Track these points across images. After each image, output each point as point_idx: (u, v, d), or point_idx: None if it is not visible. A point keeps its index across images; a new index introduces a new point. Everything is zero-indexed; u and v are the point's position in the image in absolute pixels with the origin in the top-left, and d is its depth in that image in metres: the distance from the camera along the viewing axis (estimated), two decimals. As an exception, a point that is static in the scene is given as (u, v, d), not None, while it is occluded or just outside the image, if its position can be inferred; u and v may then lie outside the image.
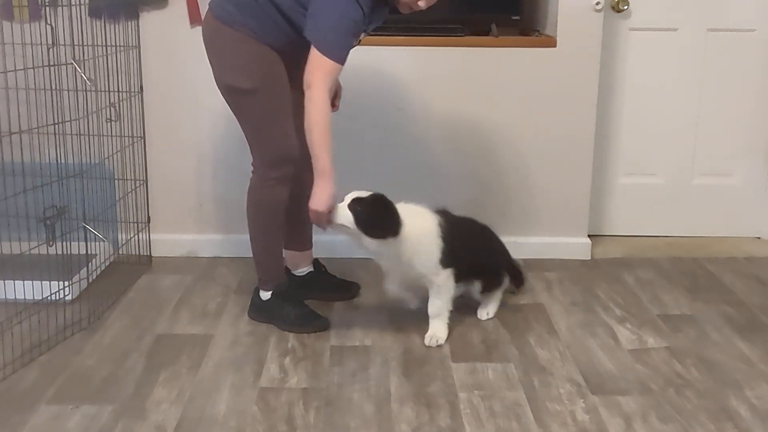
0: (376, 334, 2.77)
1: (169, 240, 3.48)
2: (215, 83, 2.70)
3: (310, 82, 2.49)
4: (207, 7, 2.69)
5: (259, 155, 2.72)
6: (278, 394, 2.38)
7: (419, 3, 2.53)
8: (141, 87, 3.32)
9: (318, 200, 2.51)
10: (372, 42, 3.05)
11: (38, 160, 2.81)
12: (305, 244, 3.03)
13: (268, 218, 2.76)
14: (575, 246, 3.51)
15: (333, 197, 2.52)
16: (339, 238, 3.22)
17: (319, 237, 3.17)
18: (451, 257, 2.66)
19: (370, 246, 2.57)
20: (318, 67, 2.47)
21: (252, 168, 2.75)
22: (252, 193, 2.76)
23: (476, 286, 2.84)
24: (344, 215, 2.52)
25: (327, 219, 2.53)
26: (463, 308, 2.99)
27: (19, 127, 2.66)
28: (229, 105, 2.72)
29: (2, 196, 2.65)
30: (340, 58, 2.49)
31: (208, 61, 2.69)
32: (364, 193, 2.57)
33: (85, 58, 2.86)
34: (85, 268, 3.04)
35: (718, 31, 3.53)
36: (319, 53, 2.46)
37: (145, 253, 3.41)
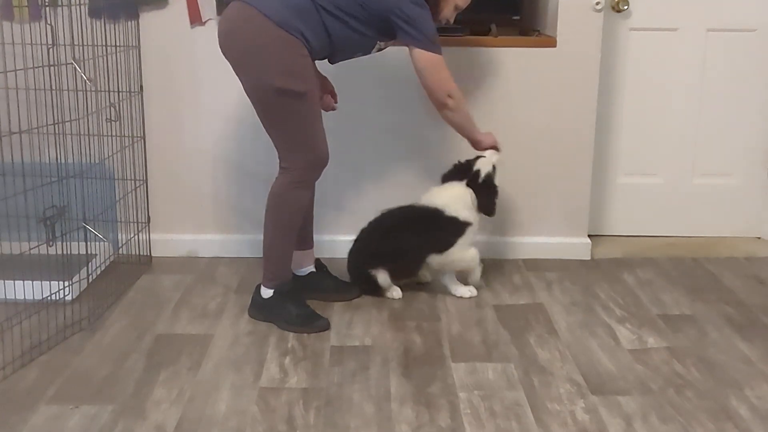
0: (376, 334, 2.77)
1: (169, 240, 3.47)
2: (251, 86, 2.66)
3: (448, 89, 2.80)
4: (233, 5, 2.65)
5: (297, 158, 2.73)
6: (278, 394, 2.38)
7: (450, 20, 2.89)
8: (141, 87, 3.32)
9: (490, 141, 3.03)
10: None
11: (38, 160, 2.81)
12: (307, 242, 3.04)
13: (291, 218, 2.79)
14: (575, 246, 3.51)
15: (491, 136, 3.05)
16: (339, 239, 3.22)
17: (319, 237, 3.17)
18: None
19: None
20: (440, 69, 2.76)
21: (283, 168, 2.75)
22: (279, 192, 2.77)
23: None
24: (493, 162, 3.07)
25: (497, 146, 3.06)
26: (462, 307, 2.99)
27: (19, 127, 2.66)
28: (270, 109, 2.68)
29: (2, 196, 2.65)
30: (441, 52, 2.77)
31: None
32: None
33: (85, 58, 2.86)
34: (85, 268, 3.04)
35: (718, 31, 3.53)
36: (433, 55, 2.73)
37: (145, 253, 3.41)
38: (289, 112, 2.67)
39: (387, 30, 2.72)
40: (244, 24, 2.63)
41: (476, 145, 3.02)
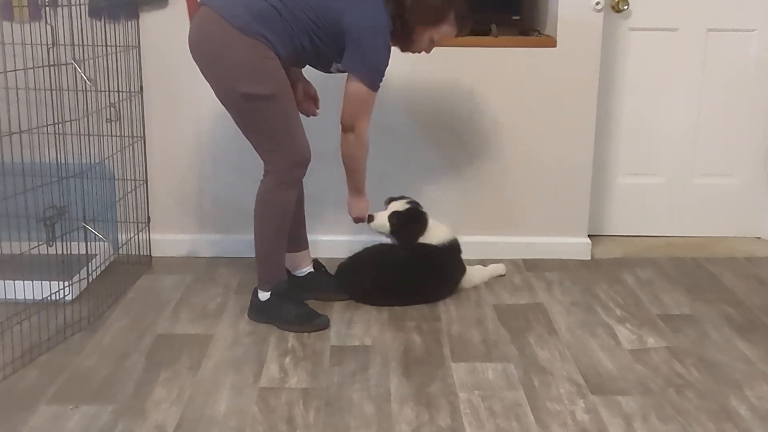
0: (376, 334, 2.77)
1: (169, 240, 3.48)
2: (220, 92, 2.66)
3: (354, 123, 2.71)
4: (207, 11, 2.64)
5: (277, 159, 2.71)
6: (278, 394, 2.38)
7: (426, 51, 2.80)
8: (141, 87, 3.32)
9: (358, 211, 2.95)
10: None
11: (38, 160, 2.81)
12: (302, 244, 3.04)
13: (279, 220, 2.78)
14: (575, 246, 3.51)
15: (368, 206, 2.96)
16: (339, 239, 3.23)
17: (319, 237, 3.17)
18: None
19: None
20: (360, 101, 2.67)
21: (265, 171, 2.75)
22: (265, 196, 2.76)
23: None
24: (383, 224, 3.00)
25: (364, 220, 2.99)
26: (462, 307, 2.99)
27: (19, 127, 2.65)
28: (240, 113, 2.68)
29: (2, 196, 2.65)
30: (378, 88, 2.69)
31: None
32: (402, 206, 3.03)
33: (85, 58, 2.86)
34: (85, 268, 3.04)
35: (718, 31, 3.53)
36: (362, 85, 2.64)
37: (145, 253, 3.41)
38: (260, 116, 2.65)
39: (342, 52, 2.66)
40: (208, 29, 2.62)
41: (356, 200, 2.91)
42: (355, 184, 2.89)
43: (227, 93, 2.66)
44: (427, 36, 2.73)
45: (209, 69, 2.66)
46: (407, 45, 2.75)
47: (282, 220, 2.79)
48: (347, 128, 2.73)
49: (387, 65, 2.68)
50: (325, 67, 2.77)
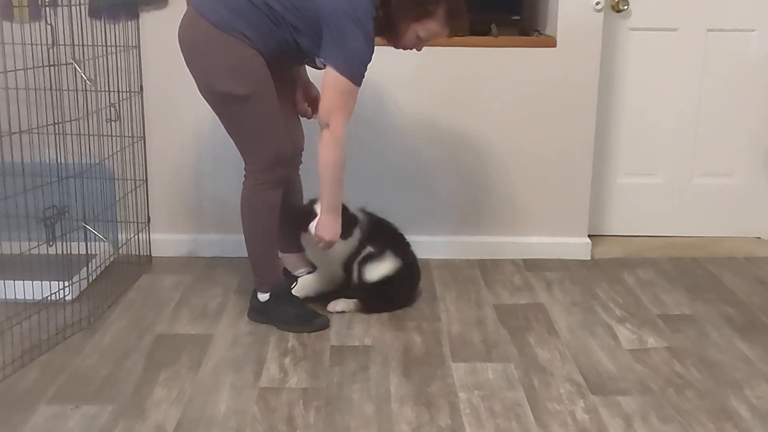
0: (376, 334, 2.77)
1: (169, 240, 3.47)
2: (201, 90, 2.66)
3: (329, 119, 2.56)
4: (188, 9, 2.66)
5: (255, 159, 2.70)
6: (278, 394, 2.38)
7: (416, 48, 2.69)
8: (141, 87, 3.32)
9: (328, 232, 2.73)
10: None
11: (38, 160, 2.81)
12: (300, 245, 3.03)
13: (265, 221, 2.76)
14: (575, 246, 3.51)
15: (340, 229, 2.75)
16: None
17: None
18: None
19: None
20: (337, 93, 2.53)
21: (245, 172, 2.74)
22: (247, 197, 2.75)
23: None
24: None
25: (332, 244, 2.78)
26: (462, 307, 2.99)
27: (19, 127, 2.66)
28: (218, 111, 2.67)
29: (2, 196, 2.65)
30: (359, 82, 2.55)
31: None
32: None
33: (85, 58, 2.86)
34: (85, 268, 3.04)
35: (718, 31, 3.53)
36: (340, 75, 2.51)
37: (145, 253, 3.41)
38: (237, 115, 2.63)
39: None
40: (188, 27, 2.63)
41: (332, 220, 2.70)
42: (332, 199, 2.67)
43: (206, 91, 2.65)
44: (413, 31, 2.60)
45: (191, 67, 2.66)
46: (393, 39, 2.65)
47: (269, 220, 2.76)
48: (322, 124, 2.57)
49: (369, 57, 2.54)
50: (311, 61, 2.69)
